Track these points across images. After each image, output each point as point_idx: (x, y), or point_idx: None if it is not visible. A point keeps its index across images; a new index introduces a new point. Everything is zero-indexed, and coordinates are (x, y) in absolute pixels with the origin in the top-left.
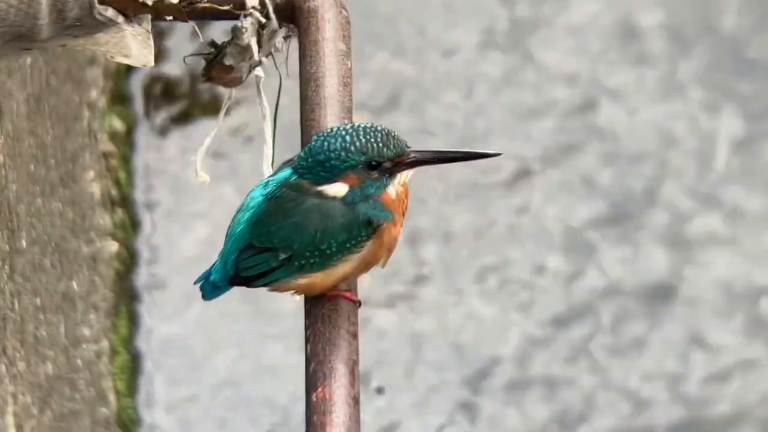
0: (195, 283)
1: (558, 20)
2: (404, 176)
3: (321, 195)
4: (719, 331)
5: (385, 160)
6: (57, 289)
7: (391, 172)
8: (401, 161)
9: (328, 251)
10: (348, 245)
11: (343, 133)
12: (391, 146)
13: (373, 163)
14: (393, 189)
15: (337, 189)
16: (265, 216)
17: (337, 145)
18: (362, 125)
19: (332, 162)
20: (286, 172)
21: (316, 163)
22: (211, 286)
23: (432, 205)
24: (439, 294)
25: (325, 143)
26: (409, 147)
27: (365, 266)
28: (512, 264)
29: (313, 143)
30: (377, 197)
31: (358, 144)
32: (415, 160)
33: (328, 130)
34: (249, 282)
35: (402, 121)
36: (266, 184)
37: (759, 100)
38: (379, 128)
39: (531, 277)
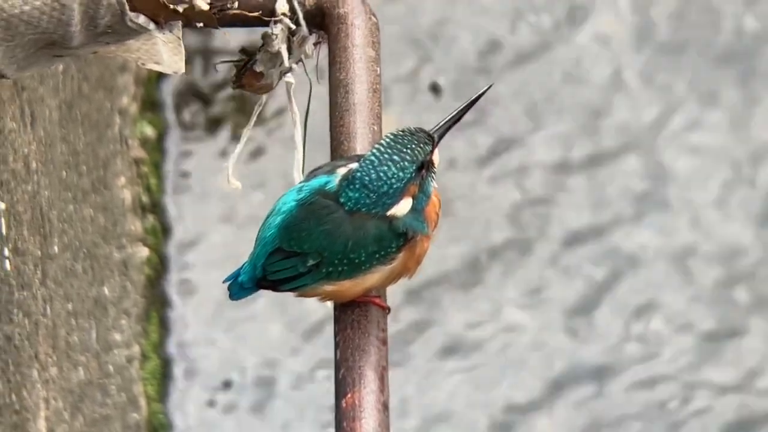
0: (224, 281)
1: None
2: (436, 159)
3: (394, 218)
4: None
5: (429, 154)
6: (89, 295)
7: (431, 162)
8: (433, 147)
9: (357, 260)
10: (378, 256)
11: (387, 155)
12: (425, 140)
13: (422, 164)
14: (433, 183)
15: (405, 206)
16: (296, 221)
17: (394, 169)
18: (391, 138)
19: (395, 186)
20: (321, 179)
21: (380, 195)
22: (238, 287)
23: None
24: None
25: (381, 173)
26: (430, 130)
27: (395, 277)
28: None
29: (366, 179)
30: (423, 210)
31: (408, 157)
32: (439, 137)
33: (371, 161)
34: (276, 286)
35: None
36: (300, 190)
37: None
38: (409, 132)
39: None
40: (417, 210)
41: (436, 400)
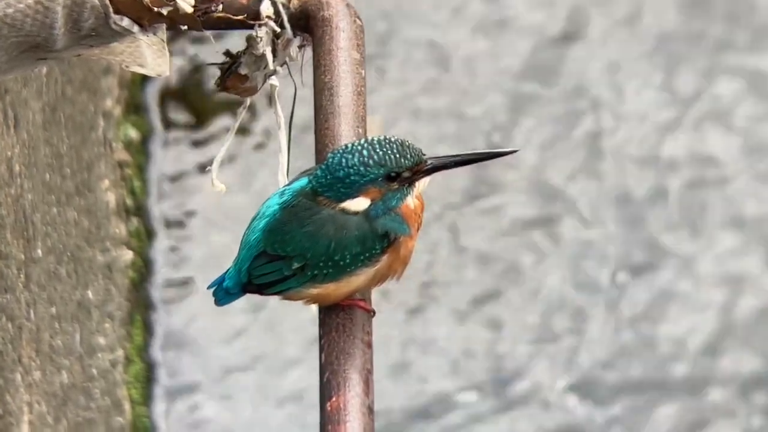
0: (208, 288)
1: None
2: (423, 184)
3: (343, 211)
4: None
5: (404, 170)
6: (72, 298)
7: (410, 182)
8: (419, 169)
9: (341, 262)
10: (362, 257)
11: (360, 147)
12: (408, 156)
13: (393, 174)
14: (412, 199)
15: (359, 204)
16: (279, 224)
17: (356, 160)
18: (377, 138)
19: (352, 177)
20: (303, 181)
21: (335, 180)
22: (223, 292)
23: None
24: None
25: (343, 159)
26: (425, 154)
27: (380, 279)
28: None
29: (330, 160)
30: (398, 209)
31: (376, 157)
32: (432, 167)
33: (344, 147)
34: (261, 290)
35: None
36: (282, 193)
37: None
38: (393, 139)
39: None
40: (390, 208)
41: None
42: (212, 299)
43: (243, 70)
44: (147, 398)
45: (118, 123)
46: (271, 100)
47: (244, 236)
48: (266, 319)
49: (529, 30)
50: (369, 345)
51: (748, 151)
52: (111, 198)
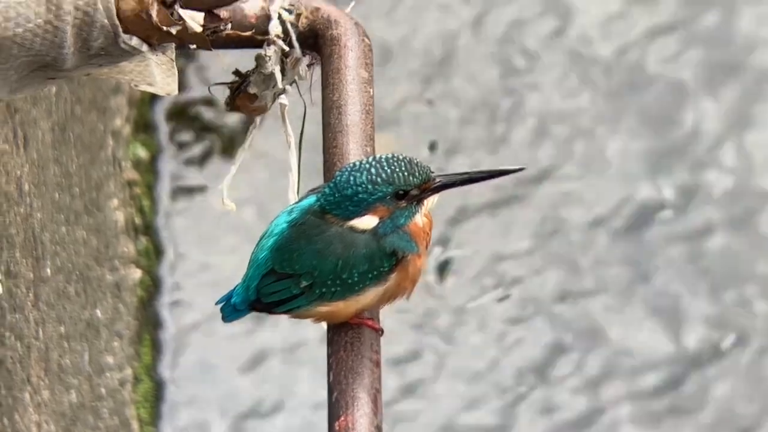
0: (216, 303)
1: None
2: (432, 201)
3: (351, 229)
4: None
5: (412, 188)
6: (81, 317)
7: (419, 199)
8: (427, 187)
9: (349, 281)
10: (370, 276)
11: (368, 165)
12: (417, 173)
13: (401, 192)
14: (420, 217)
15: (367, 222)
16: (288, 242)
17: (364, 178)
18: (385, 156)
19: (360, 195)
20: (311, 199)
21: (343, 198)
22: (231, 309)
23: None
24: None
25: (351, 177)
26: (433, 172)
27: (389, 297)
28: None
29: (339, 178)
30: (406, 227)
31: (384, 175)
32: (441, 185)
33: (352, 164)
34: (270, 308)
35: None
36: (291, 211)
37: None
38: (401, 157)
39: None
40: (399, 227)
41: None
42: (220, 316)
43: (252, 89)
44: (155, 417)
45: (128, 142)
46: (281, 118)
47: (252, 254)
48: (275, 338)
49: None
50: (377, 364)
51: None
52: (120, 217)
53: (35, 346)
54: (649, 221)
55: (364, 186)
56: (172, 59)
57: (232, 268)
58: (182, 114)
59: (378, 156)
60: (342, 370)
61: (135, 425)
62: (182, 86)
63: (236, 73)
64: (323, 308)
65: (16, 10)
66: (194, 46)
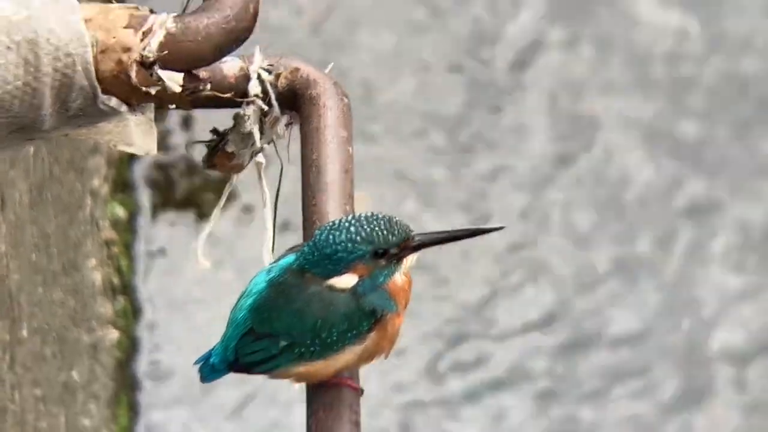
0: (194, 363)
1: None
2: (411, 260)
3: (330, 288)
4: None
5: (392, 247)
6: (58, 379)
7: (398, 258)
8: (407, 245)
9: (328, 340)
10: (349, 335)
11: (347, 224)
12: (396, 232)
13: (380, 251)
14: (399, 275)
15: (346, 281)
16: (266, 302)
17: (343, 236)
18: (364, 215)
19: (339, 254)
20: (290, 258)
21: (322, 256)
22: (209, 369)
23: None
24: None
25: (330, 236)
26: (412, 231)
27: (368, 357)
28: None
29: (318, 237)
30: (385, 285)
31: (363, 234)
32: (419, 243)
33: (331, 223)
34: (249, 368)
35: None
36: (269, 270)
37: None
38: (380, 216)
39: None
40: (378, 285)
41: None
42: (198, 376)
43: (230, 148)
44: None
45: (106, 201)
46: (258, 176)
47: (231, 313)
48: (255, 394)
49: None
50: (356, 424)
51: None
52: (97, 277)
53: (11, 410)
54: None
55: (343, 245)
56: (151, 119)
57: (210, 326)
58: (160, 172)
59: (357, 214)
60: (321, 431)
61: None
62: (161, 146)
63: (214, 131)
64: (302, 368)
65: None
66: (174, 106)
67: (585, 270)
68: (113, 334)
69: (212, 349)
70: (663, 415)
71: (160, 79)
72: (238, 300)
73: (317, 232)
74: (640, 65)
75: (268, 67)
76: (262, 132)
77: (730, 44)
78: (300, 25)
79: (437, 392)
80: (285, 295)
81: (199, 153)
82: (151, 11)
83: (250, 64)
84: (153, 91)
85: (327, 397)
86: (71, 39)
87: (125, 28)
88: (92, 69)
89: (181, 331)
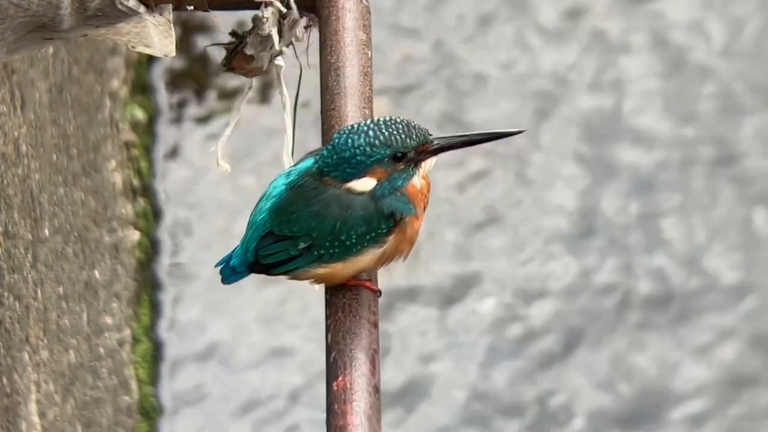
0: (215, 266)
1: None
2: (429, 164)
3: (349, 191)
4: None
5: (410, 150)
6: (79, 278)
7: (417, 162)
8: (425, 149)
9: (347, 242)
10: (368, 237)
11: (365, 128)
12: (414, 136)
13: (399, 154)
14: (418, 179)
15: (365, 184)
16: (286, 205)
17: (362, 140)
18: (383, 119)
19: (358, 158)
20: (309, 161)
21: (341, 160)
22: (230, 271)
23: None
24: None
25: (349, 140)
26: (431, 135)
27: (387, 259)
28: None
29: (336, 141)
30: (404, 189)
31: (382, 137)
32: (438, 147)
33: (350, 127)
34: (268, 270)
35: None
36: (289, 173)
37: None
38: (399, 120)
39: None
40: (396, 188)
41: None
42: (219, 277)
43: (249, 51)
44: (154, 377)
45: (125, 103)
46: (277, 79)
47: (251, 216)
48: (273, 294)
49: None
50: (375, 325)
51: None
52: (117, 178)
53: (34, 307)
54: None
55: (362, 148)
56: (169, 21)
57: (230, 230)
58: (180, 75)
59: (376, 118)
60: (340, 331)
61: (134, 385)
62: (179, 47)
63: (233, 33)
64: (321, 270)
65: None
66: (191, 7)
67: None
68: (134, 235)
69: (233, 251)
70: None
71: None
72: (258, 203)
73: (336, 135)
74: None
75: None
76: (280, 35)
77: None
78: None
79: None
80: (304, 198)
81: (219, 55)
82: None
83: None
84: None
85: (346, 299)
86: None
87: None
88: None
89: (201, 234)
